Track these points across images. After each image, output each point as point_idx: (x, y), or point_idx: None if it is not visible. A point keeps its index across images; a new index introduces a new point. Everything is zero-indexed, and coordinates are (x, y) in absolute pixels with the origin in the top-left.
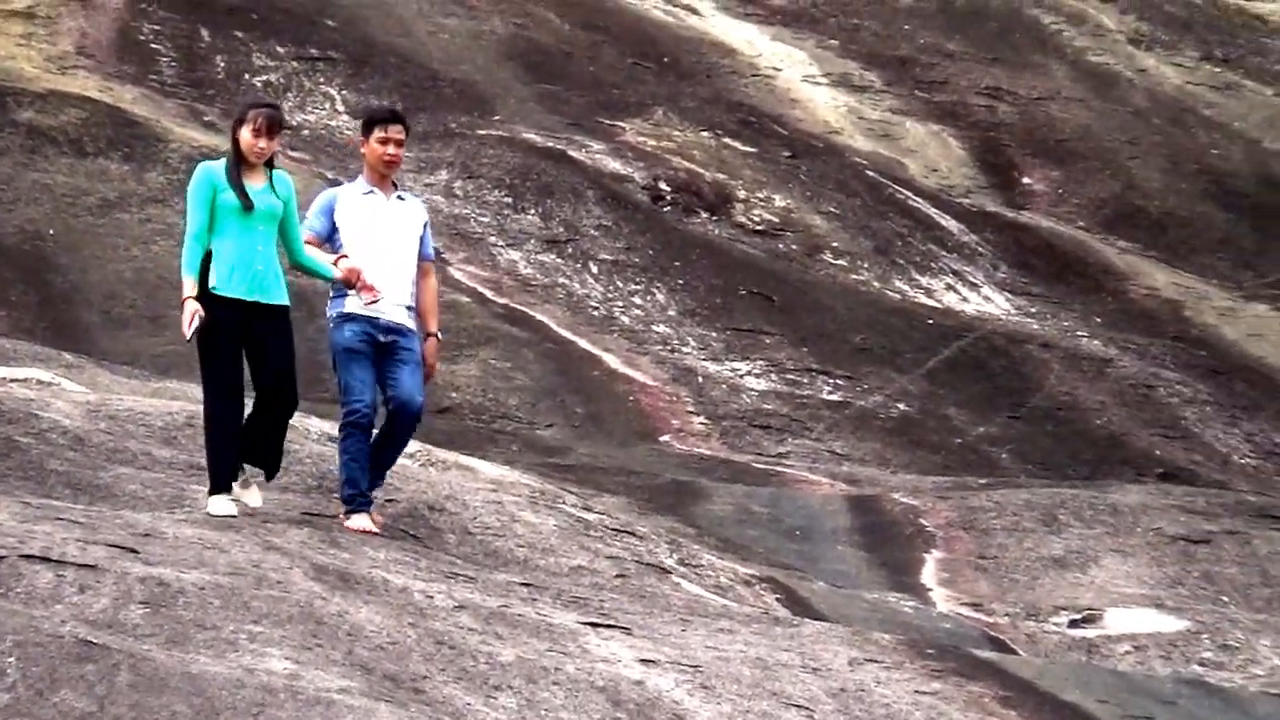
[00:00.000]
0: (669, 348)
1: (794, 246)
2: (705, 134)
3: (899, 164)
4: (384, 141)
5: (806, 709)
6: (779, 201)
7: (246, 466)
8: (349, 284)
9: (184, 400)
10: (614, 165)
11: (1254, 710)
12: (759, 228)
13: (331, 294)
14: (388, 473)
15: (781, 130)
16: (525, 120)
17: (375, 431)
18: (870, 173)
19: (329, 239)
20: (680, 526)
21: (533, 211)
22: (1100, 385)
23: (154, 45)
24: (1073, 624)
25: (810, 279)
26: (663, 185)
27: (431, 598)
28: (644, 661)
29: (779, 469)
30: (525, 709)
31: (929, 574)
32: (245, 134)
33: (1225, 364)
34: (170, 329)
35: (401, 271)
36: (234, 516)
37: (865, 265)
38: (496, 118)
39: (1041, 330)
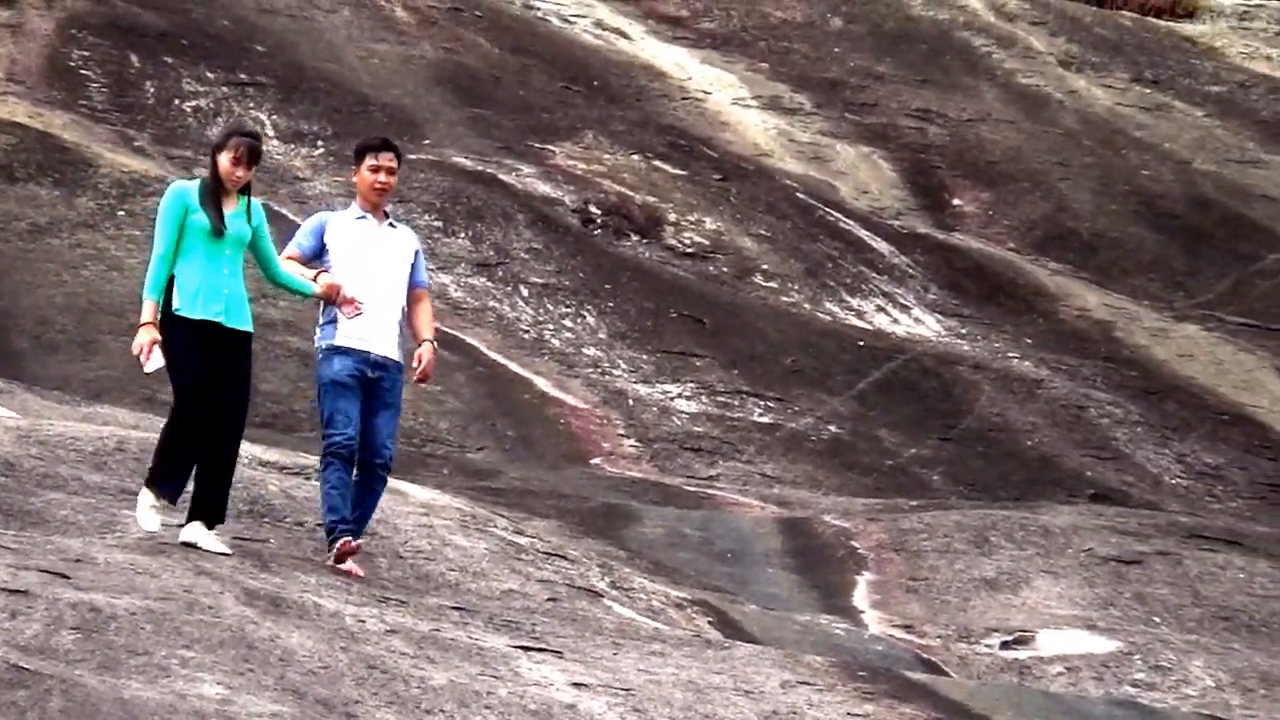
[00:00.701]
0: (600, 370)
1: (725, 269)
2: (635, 157)
3: (829, 186)
4: (375, 170)
5: None
6: (709, 224)
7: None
8: (329, 299)
9: (114, 425)
10: (544, 189)
11: None
12: (689, 250)
13: (320, 322)
14: (369, 523)
15: (711, 153)
16: (455, 144)
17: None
18: (801, 195)
19: (315, 258)
20: (612, 549)
21: (463, 235)
22: (1031, 406)
23: (84, 71)
24: (1005, 645)
25: (741, 301)
26: (593, 208)
27: (363, 622)
28: (576, 685)
29: (710, 491)
30: None
31: (860, 596)
32: (224, 160)
33: (1156, 385)
34: (100, 354)
35: (391, 298)
36: (154, 533)
37: (796, 287)
38: (426, 142)
39: (972, 352)
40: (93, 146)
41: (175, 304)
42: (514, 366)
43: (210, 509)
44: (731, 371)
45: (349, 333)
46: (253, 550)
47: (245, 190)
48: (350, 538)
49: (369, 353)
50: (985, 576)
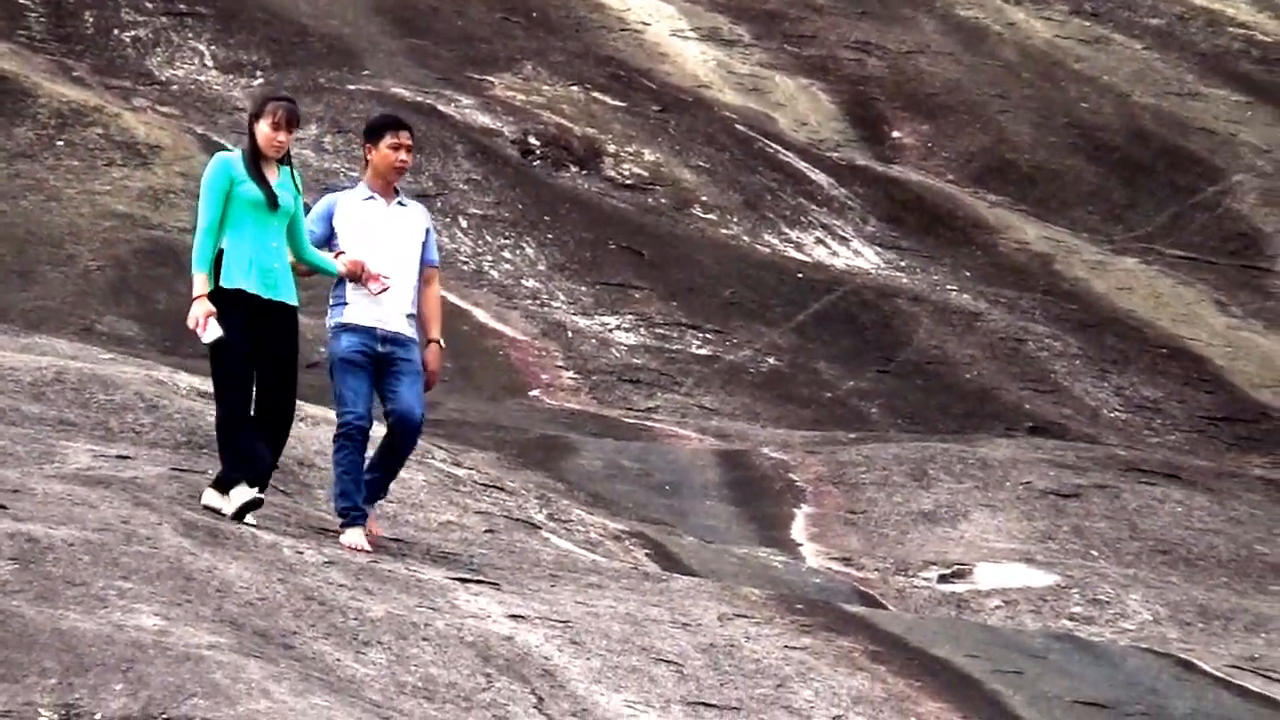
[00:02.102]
0: (538, 302)
1: (663, 201)
2: (574, 88)
3: (768, 118)
4: (396, 148)
5: (676, 664)
6: (648, 156)
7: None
8: (354, 277)
9: (53, 356)
10: (483, 120)
11: (1123, 664)
12: (628, 182)
13: (331, 302)
14: (390, 485)
15: (650, 85)
16: (394, 75)
17: (372, 446)
18: (740, 127)
19: (326, 244)
20: (550, 482)
21: None
22: (970, 339)
23: (22, 0)
24: (942, 579)
25: (680, 233)
26: (532, 140)
27: (301, 553)
28: (513, 617)
29: (648, 424)
30: (395, 664)
31: (799, 529)
32: (264, 127)
33: (1095, 317)
34: (39, 284)
35: (403, 278)
36: (259, 501)
37: (735, 219)
38: (366, 72)
39: (911, 284)
40: (31, 76)
41: (225, 277)
42: (453, 298)
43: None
44: (670, 303)
45: (357, 312)
46: (191, 481)
47: (285, 159)
48: (361, 534)
49: (375, 328)
50: (923, 509)
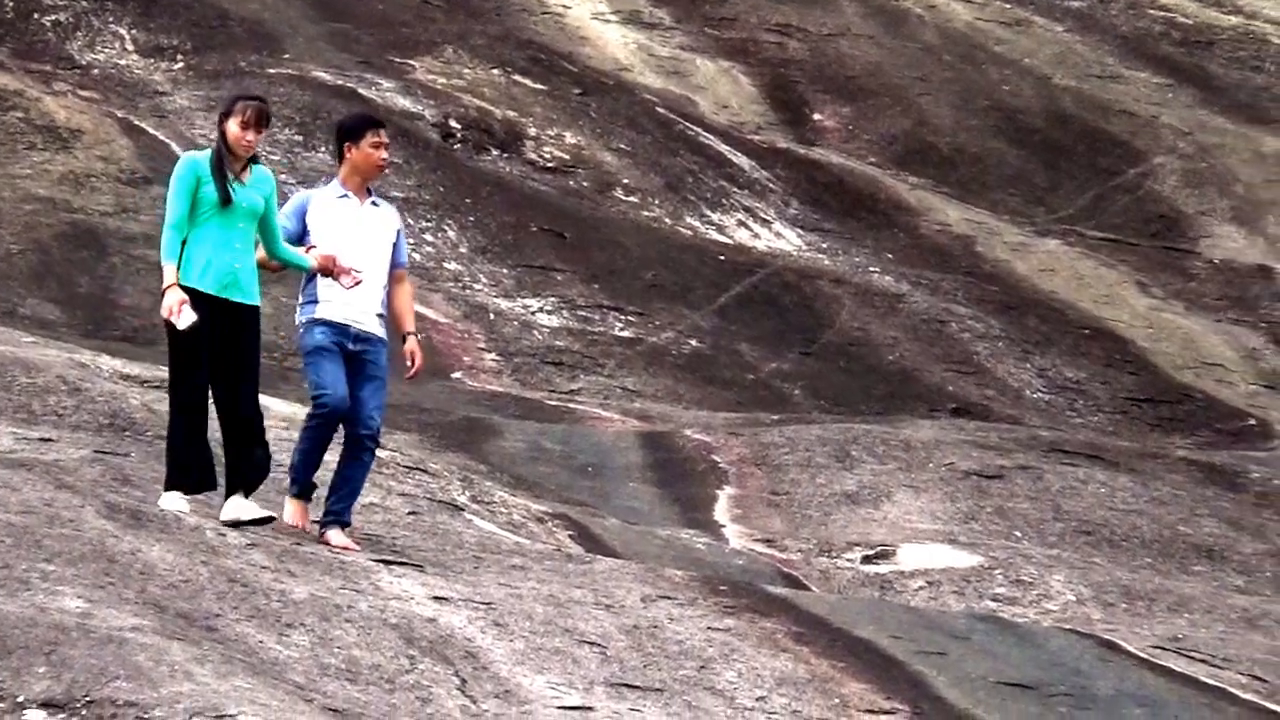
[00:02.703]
0: (461, 285)
1: (585, 184)
2: (496, 71)
3: (689, 101)
4: (377, 146)
5: (599, 646)
6: (570, 139)
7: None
8: (326, 271)
9: None
10: (404, 103)
11: (1047, 645)
12: (550, 165)
13: (301, 299)
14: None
15: (571, 68)
16: (315, 59)
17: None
18: (661, 110)
19: (299, 242)
20: (472, 464)
21: (324, 150)
22: (892, 321)
23: None
24: (866, 560)
25: (601, 216)
26: (453, 123)
27: (224, 535)
28: (437, 599)
29: (571, 406)
30: (318, 646)
31: (722, 510)
32: (233, 126)
33: (1017, 299)
34: None
35: (374, 277)
36: (184, 512)
37: (656, 202)
38: (286, 56)
39: (833, 266)
40: None
41: (184, 275)
42: None
43: (246, 475)
44: (592, 286)
45: (331, 309)
46: (114, 464)
47: (255, 160)
48: (300, 503)
49: (348, 326)
50: (846, 491)
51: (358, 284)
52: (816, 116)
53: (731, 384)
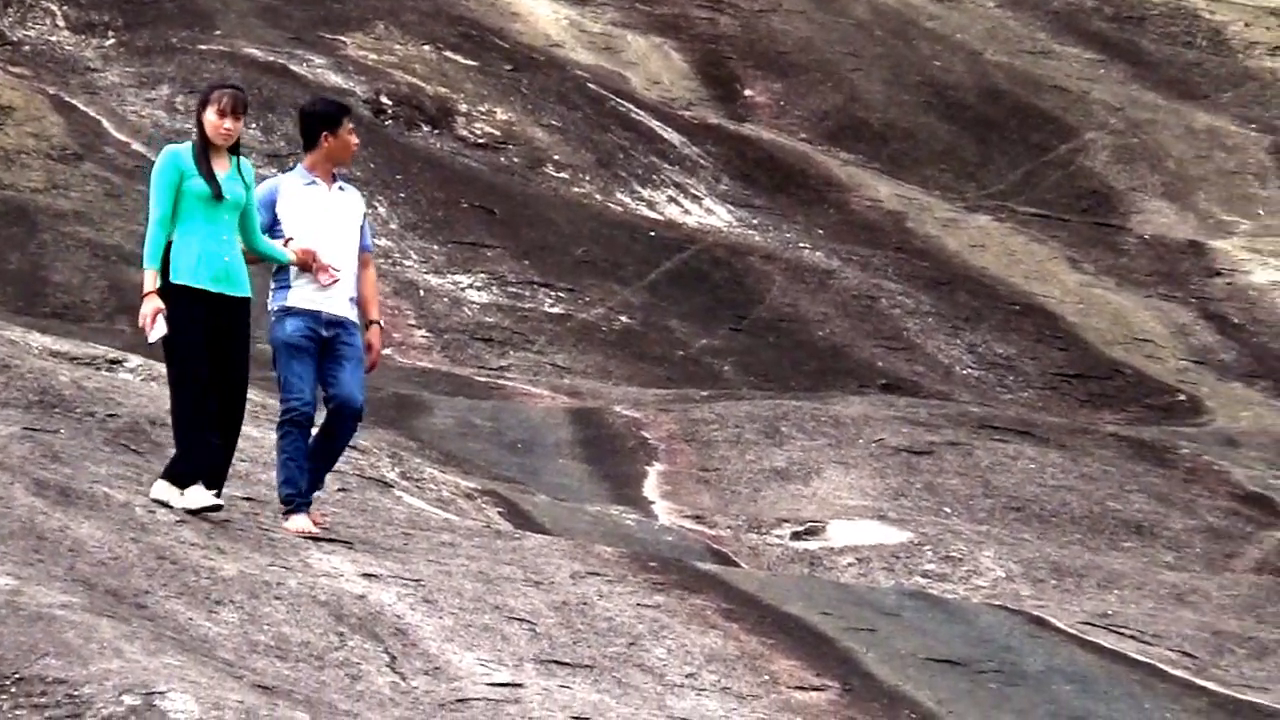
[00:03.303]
0: (391, 261)
1: (516, 160)
2: (427, 48)
3: (621, 77)
4: (351, 132)
5: (529, 622)
6: (501, 115)
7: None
8: (304, 266)
9: None
10: (335, 80)
11: (976, 621)
12: (481, 141)
13: (273, 286)
14: (327, 474)
15: (503, 44)
16: (246, 35)
17: (314, 430)
18: (592, 86)
19: (269, 231)
20: (402, 440)
21: (255, 126)
22: (822, 297)
23: None
24: (795, 536)
25: (532, 192)
26: (384, 99)
27: (153, 513)
28: (366, 576)
29: (501, 382)
30: (247, 623)
31: (651, 487)
32: (210, 115)
33: (948, 275)
34: None
35: (345, 263)
36: (218, 507)
37: (587, 178)
38: (217, 32)
39: (764, 242)
40: None
41: (175, 273)
42: None
43: (217, 470)
44: (523, 262)
45: (301, 295)
46: (43, 441)
47: (234, 150)
48: (306, 519)
49: (320, 312)
50: (776, 467)
51: (335, 282)
52: (748, 92)
53: (661, 360)
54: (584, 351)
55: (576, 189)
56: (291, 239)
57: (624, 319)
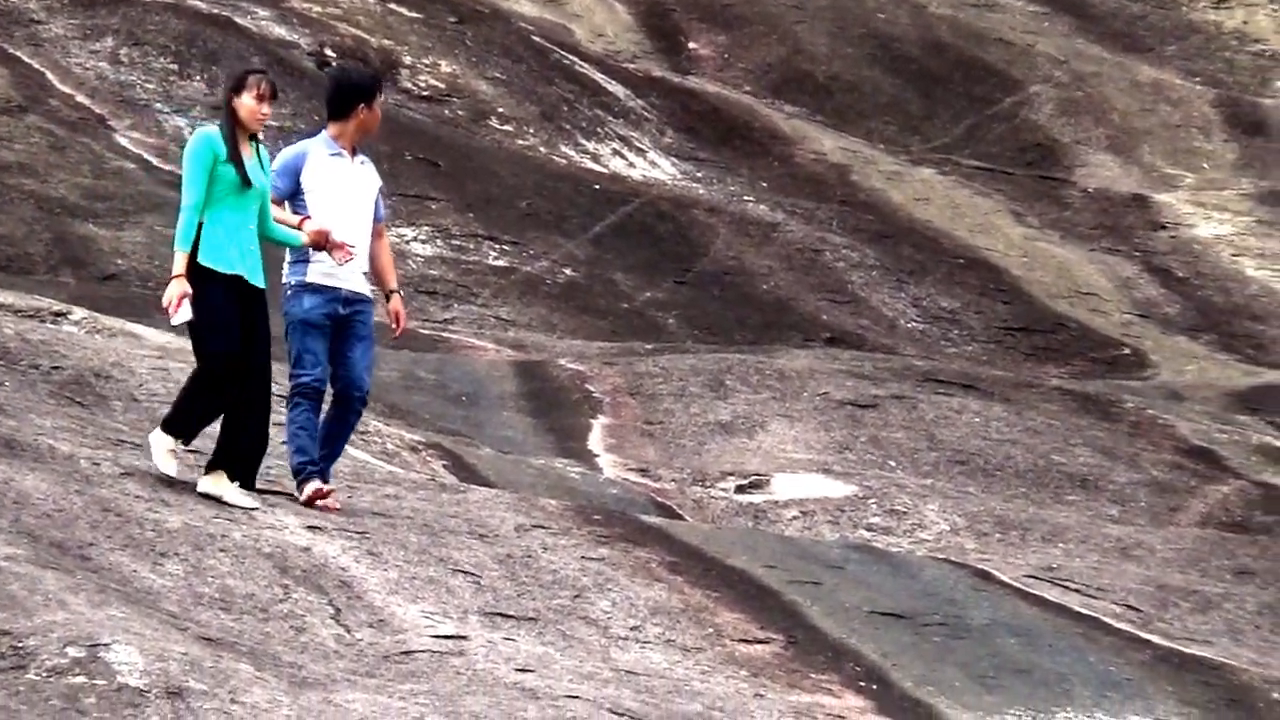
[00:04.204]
0: None
1: (460, 112)
2: (371, 0)
3: (565, 29)
4: (382, 105)
5: (473, 575)
6: (445, 68)
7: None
8: (318, 246)
9: None
10: (279, 31)
11: (920, 575)
12: (425, 94)
13: (290, 258)
14: (338, 459)
15: None
16: None
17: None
18: (536, 39)
19: (290, 199)
20: None
21: (199, 78)
22: (767, 250)
23: None
24: (740, 489)
25: (476, 145)
26: (329, 51)
27: (98, 465)
28: (310, 528)
29: (445, 335)
30: (192, 575)
31: (596, 440)
32: (248, 100)
33: (892, 228)
34: None
35: (360, 237)
36: (169, 475)
37: (531, 131)
38: None
39: (708, 195)
40: None
41: (207, 257)
42: None
43: (240, 466)
44: (467, 215)
45: (320, 270)
46: None
47: (254, 135)
48: (320, 482)
49: (339, 289)
50: (720, 420)
51: (350, 259)
52: (692, 45)
53: (606, 313)
54: (528, 305)
55: (521, 142)
56: (308, 218)
57: (568, 272)
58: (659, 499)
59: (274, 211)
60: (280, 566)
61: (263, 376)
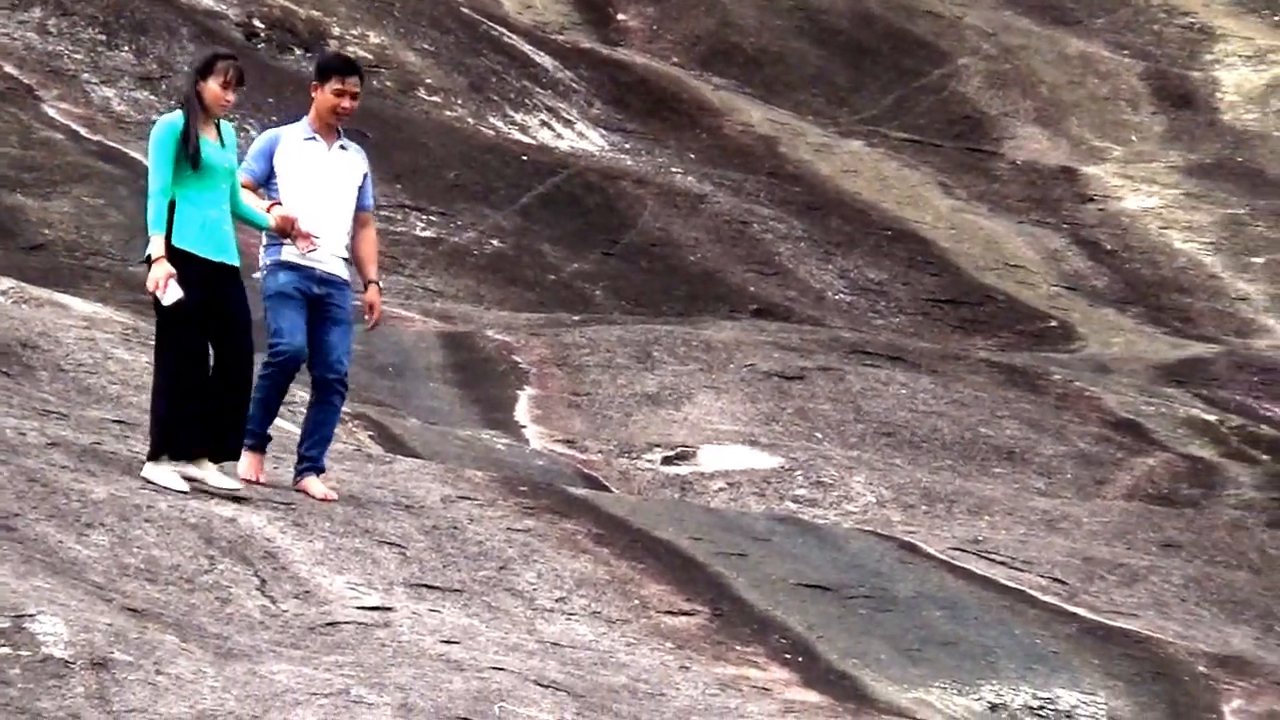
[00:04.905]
0: None
1: (389, 83)
2: None
3: (494, 1)
4: (340, 94)
5: (399, 546)
6: (373, 38)
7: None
8: (284, 233)
9: None
10: (208, 2)
11: (847, 547)
12: None
13: (266, 241)
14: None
15: None
16: None
17: (304, 390)
18: (465, 10)
19: (265, 184)
20: None
21: (127, 49)
22: (695, 221)
23: None
24: (666, 461)
25: (405, 116)
26: (257, 22)
27: (24, 435)
28: (236, 499)
29: None
30: (118, 546)
31: (523, 411)
32: (213, 86)
33: (820, 200)
34: None
35: (338, 222)
36: (184, 491)
37: (460, 102)
38: None
39: (636, 167)
40: None
41: (177, 238)
42: None
43: (223, 444)
44: (395, 186)
45: (295, 251)
46: None
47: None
48: (255, 456)
49: (314, 269)
50: (647, 392)
51: (313, 250)
52: (621, 17)
53: (533, 284)
54: (456, 275)
55: (449, 113)
56: (278, 203)
57: (496, 243)
58: (585, 470)
59: (246, 196)
60: (206, 537)
61: (244, 350)
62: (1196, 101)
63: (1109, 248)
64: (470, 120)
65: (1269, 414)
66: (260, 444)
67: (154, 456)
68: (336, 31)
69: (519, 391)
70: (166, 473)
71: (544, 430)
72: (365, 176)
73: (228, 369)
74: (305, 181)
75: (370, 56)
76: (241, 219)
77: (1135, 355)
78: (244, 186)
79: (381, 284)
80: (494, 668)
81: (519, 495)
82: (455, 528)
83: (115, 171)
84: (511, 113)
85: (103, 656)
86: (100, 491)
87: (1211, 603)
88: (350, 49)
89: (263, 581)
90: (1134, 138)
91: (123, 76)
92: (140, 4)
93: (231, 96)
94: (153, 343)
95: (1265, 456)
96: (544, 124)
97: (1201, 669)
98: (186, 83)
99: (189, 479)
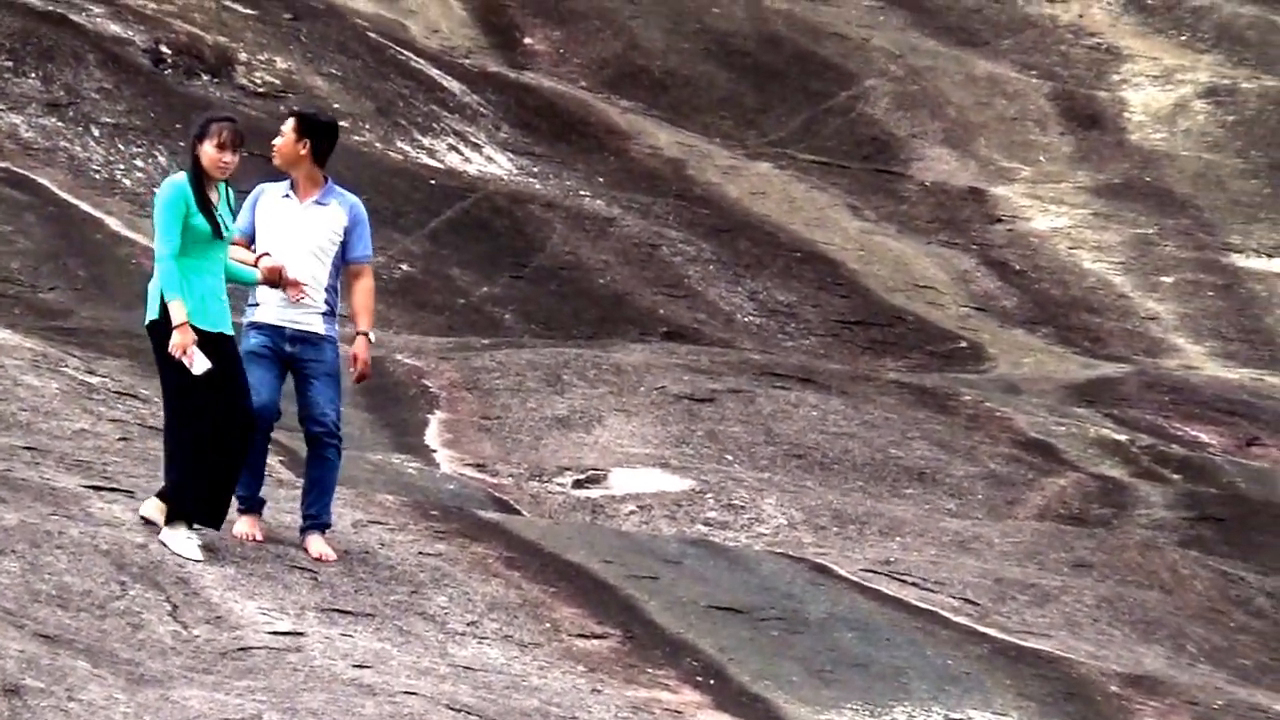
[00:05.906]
0: None
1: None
2: None
3: (400, 26)
4: (222, 147)
5: (311, 571)
6: (280, 64)
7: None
8: (271, 282)
9: None
10: (115, 29)
11: (758, 569)
12: (261, 90)
13: (247, 302)
14: (332, 500)
15: None
16: None
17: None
18: (372, 35)
19: (252, 238)
20: None
21: (34, 75)
22: (603, 244)
23: None
24: (577, 484)
25: None
26: (164, 48)
27: None
28: (147, 524)
29: None
30: (29, 573)
31: (433, 435)
32: (209, 149)
33: (729, 222)
34: None
35: (310, 278)
36: (199, 560)
37: (367, 127)
38: None
39: (544, 190)
40: None
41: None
42: (85, 206)
43: (218, 511)
44: None
45: (265, 312)
46: None
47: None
48: (251, 518)
49: (284, 328)
50: (558, 415)
51: (303, 298)
52: (527, 40)
53: (443, 308)
54: None
55: (356, 138)
56: (265, 255)
57: (405, 267)
58: (496, 494)
59: (233, 251)
60: (117, 563)
61: (244, 419)
62: (1104, 122)
63: (1018, 268)
64: (378, 145)
65: (1179, 433)
66: (252, 507)
67: (171, 521)
68: (243, 57)
69: (429, 415)
70: (183, 540)
71: (455, 454)
72: (351, 230)
73: (225, 433)
74: (274, 237)
75: (278, 82)
76: (231, 280)
77: (1045, 375)
78: (234, 243)
79: (372, 336)
80: (406, 692)
81: (430, 519)
82: (367, 552)
83: (22, 198)
84: (419, 137)
85: (14, 683)
86: (11, 518)
87: (1123, 623)
88: (257, 74)
89: (174, 607)
90: (1042, 158)
91: (30, 103)
92: (47, 30)
93: (229, 158)
94: (61, 367)
95: (1176, 476)
96: (452, 148)
97: (1114, 689)
98: (187, 150)
99: (147, 520)
